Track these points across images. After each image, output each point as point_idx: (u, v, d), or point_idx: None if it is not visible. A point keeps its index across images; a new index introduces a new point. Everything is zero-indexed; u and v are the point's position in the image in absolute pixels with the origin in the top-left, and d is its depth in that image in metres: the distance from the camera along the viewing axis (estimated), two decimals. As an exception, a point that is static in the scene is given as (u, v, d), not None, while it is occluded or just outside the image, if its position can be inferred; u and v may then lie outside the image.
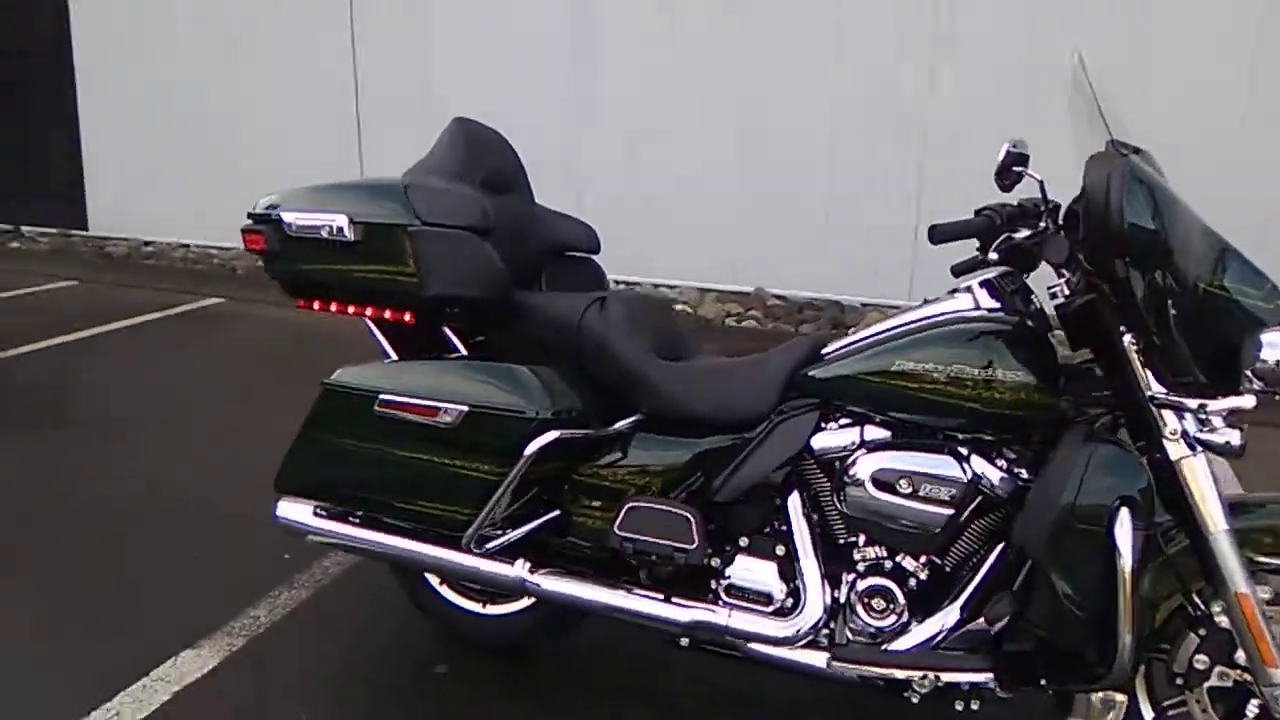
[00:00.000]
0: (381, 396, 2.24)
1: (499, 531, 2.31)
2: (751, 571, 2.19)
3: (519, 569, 2.29)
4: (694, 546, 2.14)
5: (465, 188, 2.31)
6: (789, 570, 2.15)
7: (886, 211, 5.96)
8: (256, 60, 7.71)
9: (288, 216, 2.39)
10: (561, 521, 2.33)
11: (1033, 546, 1.86)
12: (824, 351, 2.20)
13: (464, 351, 2.42)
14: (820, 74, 6.05)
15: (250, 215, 2.46)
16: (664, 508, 2.18)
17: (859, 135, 6.03)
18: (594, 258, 2.81)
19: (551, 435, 2.12)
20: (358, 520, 2.42)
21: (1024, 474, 2.00)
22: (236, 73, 7.78)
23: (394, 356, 2.50)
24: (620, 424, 2.26)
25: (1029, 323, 2.01)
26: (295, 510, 2.46)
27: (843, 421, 2.14)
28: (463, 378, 2.21)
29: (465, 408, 2.15)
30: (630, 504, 2.20)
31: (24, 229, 8.70)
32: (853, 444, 2.10)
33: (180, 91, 7.97)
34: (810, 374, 2.15)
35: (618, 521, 2.20)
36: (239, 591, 2.88)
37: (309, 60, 7.49)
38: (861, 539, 2.11)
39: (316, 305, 2.47)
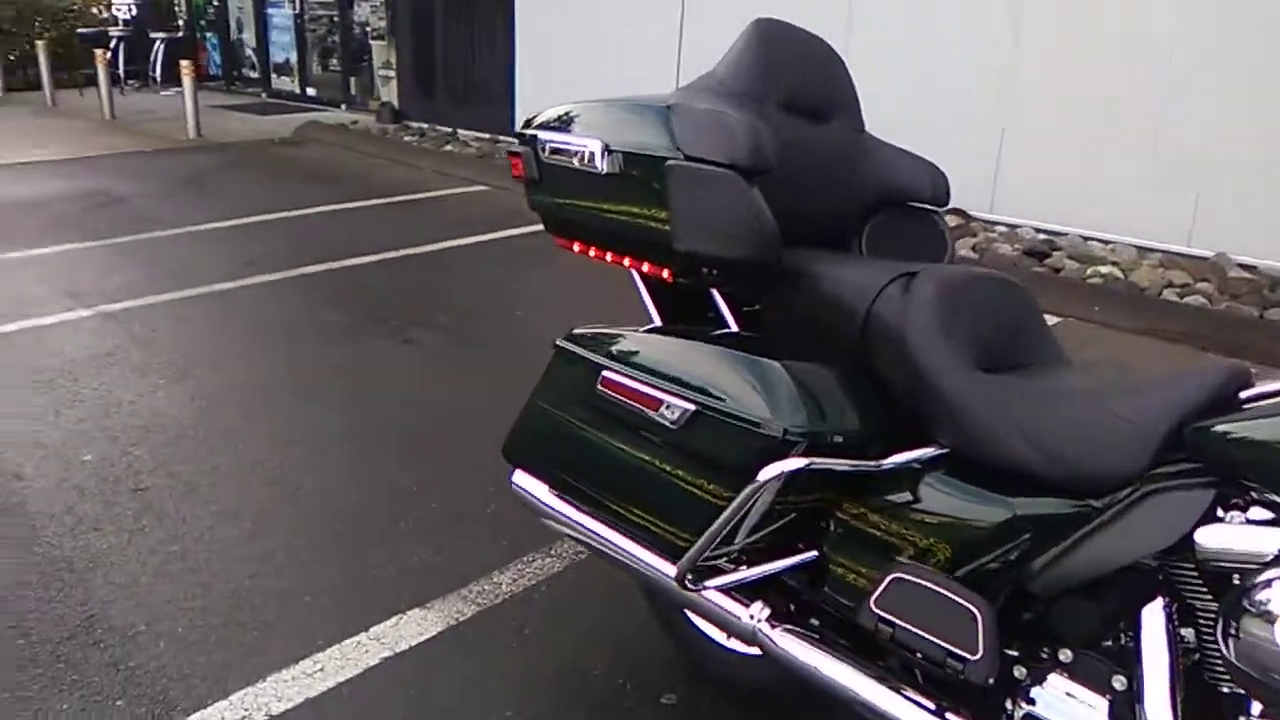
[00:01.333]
0: (604, 373, 1.78)
1: (734, 565, 1.79)
2: (1068, 704, 1.47)
3: (754, 616, 1.76)
4: (977, 658, 1.46)
5: (738, 113, 1.73)
6: (1126, 713, 1.42)
7: None
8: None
9: (543, 136, 1.99)
10: (818, 566, 1.75)
11: None
12: (1245, 395, 1.40)
13: (732, 325, 1.90)
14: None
15: (516, 134, 2.10)
16: (942, 590, 1.51)
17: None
18: (937, 213, 2.10)
19: (797, 464, 1.53)
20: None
21: None
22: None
23: (656, 320, 2.03)
24: (909, 456, 1.60)
25: None
26: (532, 483, 2.10)
27: (1258, 515, 1.33)
28: (703, 365, 1.67)
29: (692, 406, 1.63)
30: (897, 575, 1.56)
31: (460, 133, 9.38)
32: (1271, 555, 1.30)
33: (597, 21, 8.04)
34: (1214, 429, 1.35)
35: (876, 594, 1.58)
36: (495, 547, 2.64)
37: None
38: (1256, 708, 1.32)
39: (576, 247, 2.06)
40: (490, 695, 2.10)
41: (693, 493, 1.65)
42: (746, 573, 1.73)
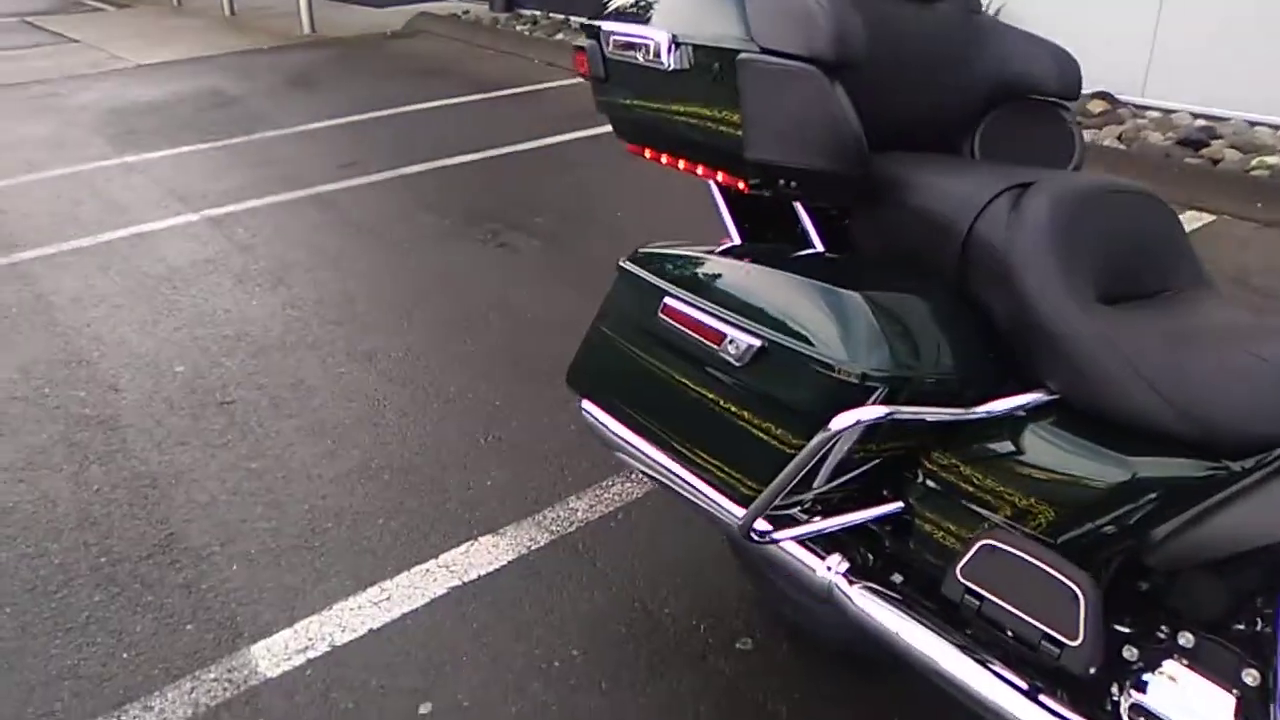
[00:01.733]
0: (666, 299, 1.59)
1: (808, 516, 1.61)
2: (1187, 696, 1.26)
3: (832, 570, 1.59)
4: (1077, 643, 1.25)
5: None
6: (1258, 713, 1.20)
7: None
8: None
9: (608, 28, 1.78)
10: (904, 519, 1.56)
11: None
12: None
13: (818, 244, 1.67)
14: None
15: (582, 25, 1.89)
16: (1040, 563, 1.29)
17: None
18: (1066, 107, 1.80)
19: (876, 413, 1.32)
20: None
21: None
22: None
23: (736, 237, 1.83)
24: (1011, 402, 1.37)
25: None
26: (600, 412, 1.94)
27: None
28: (772, 294, 1.46)
29: (757, 342, 1.43)
30: (988, 541, 1.35)
31: (573, 20, 9.07)
32: None
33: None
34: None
35: (964, 562, 1.37)
36: (574, 470, 2.53)
37: None
38: None
39: (648, 153, 1.85)
40: (557, 633, 2.01)
41: (760, 438, 1.47)
42: (820, 524, 1.55)
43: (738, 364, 1.46)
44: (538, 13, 9.60)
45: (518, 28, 9.02)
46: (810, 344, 1.36)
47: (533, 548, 2.26)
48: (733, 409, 1.50)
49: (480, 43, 8.49)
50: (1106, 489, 1.29)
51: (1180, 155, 4.50)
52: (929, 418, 1.36)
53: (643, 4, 1.76)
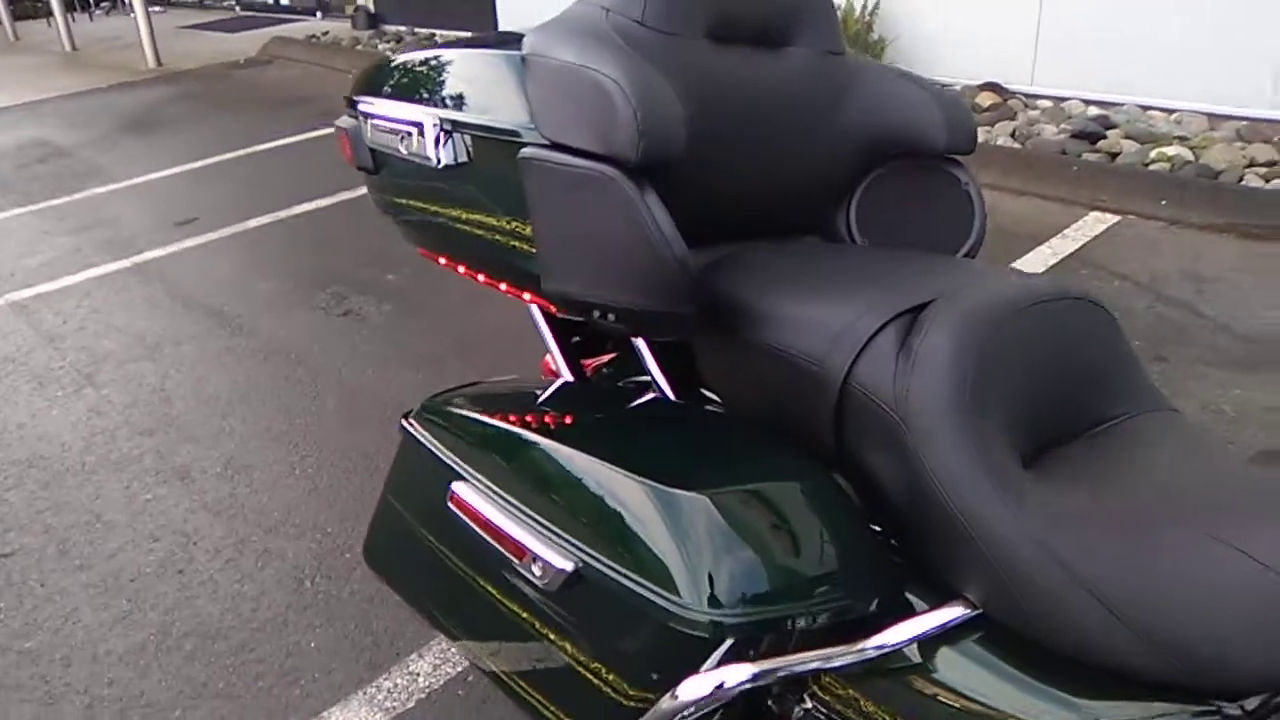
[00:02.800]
0: (454, 486, 1.18)
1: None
2: None
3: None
4: None
5: (620, 64, 1.06)
6: None
7: None
8: None
9: (365, 106, 1.38)
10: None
11: None
12: None
13: (659, 379, 1.28)
14: None
15: (345, 98, 1.49)
16: None
17: None
18: (960, 164, 1.43)
19: (739, 674, 0.94)
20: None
21: None
22: None
23: (563, 367, 1.42)
24: (912, 630, 0.99)
25: None
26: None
27: None
28: (590, 495, 1.05)
29: (569, 565, 1.03)
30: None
31: (439, 35, 8.57)
32: None
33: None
34: None
35: None
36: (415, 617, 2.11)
37: None
38: None
39: (442, 260, 1.44)
40: None
41: (588, 680, 1.07)
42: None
43: (546, 589, 1.05)
44: (403, 28, 9.07)
45: (380, 46, 8.48)
46: (639, 578, 0.96)
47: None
48: (552, 637, 1.10)
49: (339, 66, 7.93)
50: (1061, 747, 0.92)
51: (1077, 150, 4.24)
52: (810, 666, 0.97)
53: (412, 69, 1.36)
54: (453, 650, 1.99)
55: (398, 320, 3.50)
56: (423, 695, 1.90)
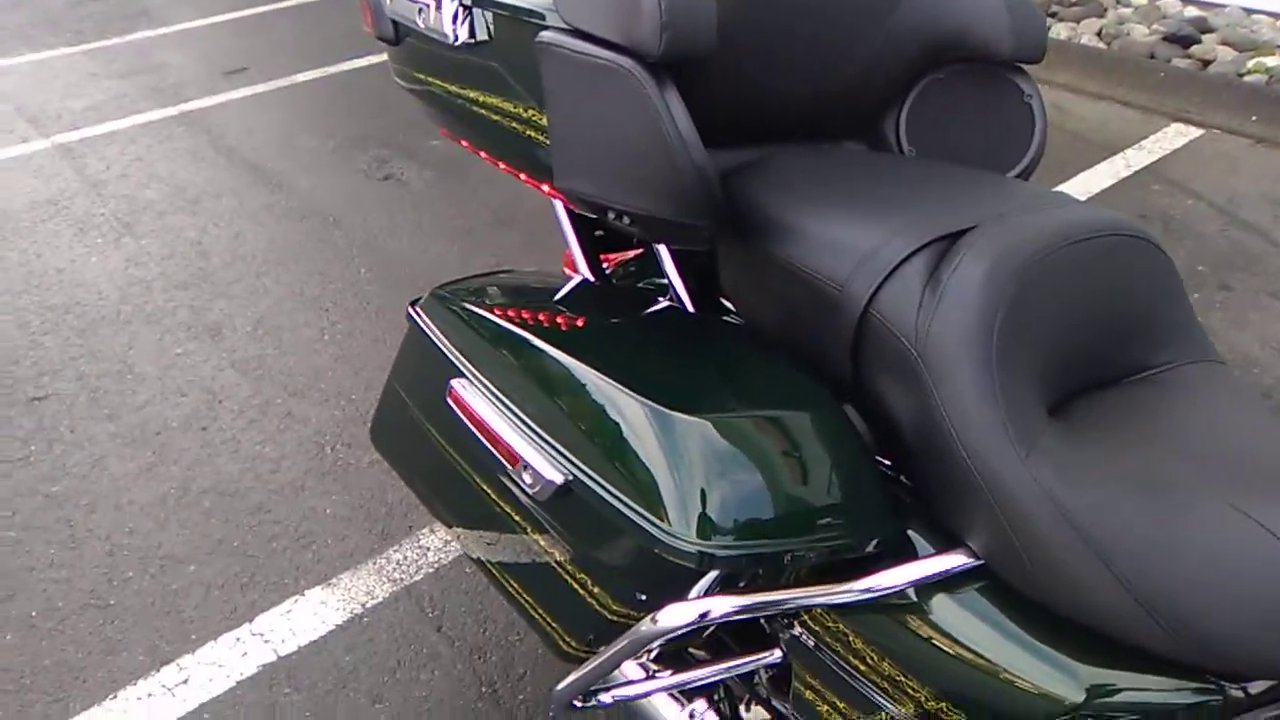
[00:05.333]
0: (454, 384, 1.14)
1: (655, 664, 1.21)
2: None
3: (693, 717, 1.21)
4: None
5: None
6: None
7: None
8: None
9: (386, -21, 1.29)
10: (784, 672, 1.16)
11: None
12: None
13: (677, 287, 1.23)
14: None
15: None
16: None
17: None
18: (1025, 74, 1.31)
19: (724, 605, 0.91)
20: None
21: None
22: None
23: (583, 265, 1.36)
24: (913, 573, 0.94)
25: None
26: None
27: None
28: (587, 407, 1.00)
29: (559, 477, 0.99)
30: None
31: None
32: None
33: None
34: None
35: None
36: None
37: None
38: None
39: (465, 143, 1.38)
40: None
41: (574, 588, 1.05)
42: (670, 679, 1.15)
43: (536, 498, 1.02)
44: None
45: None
46: (629, 500, 0.93)
47: (369, 604, 1.86)
48: (540, 543, 1.08)
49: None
50: (1045, 706, 0.88)
51: (1167, 55, 3.97)
52: (800, 601, 0.94)
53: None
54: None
55: (438, 189, 3.43)
56: (431, 570, 1.93)
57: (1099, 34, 4.26)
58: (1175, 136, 3.59)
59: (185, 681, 1.73)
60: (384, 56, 4.86)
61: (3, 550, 2.01)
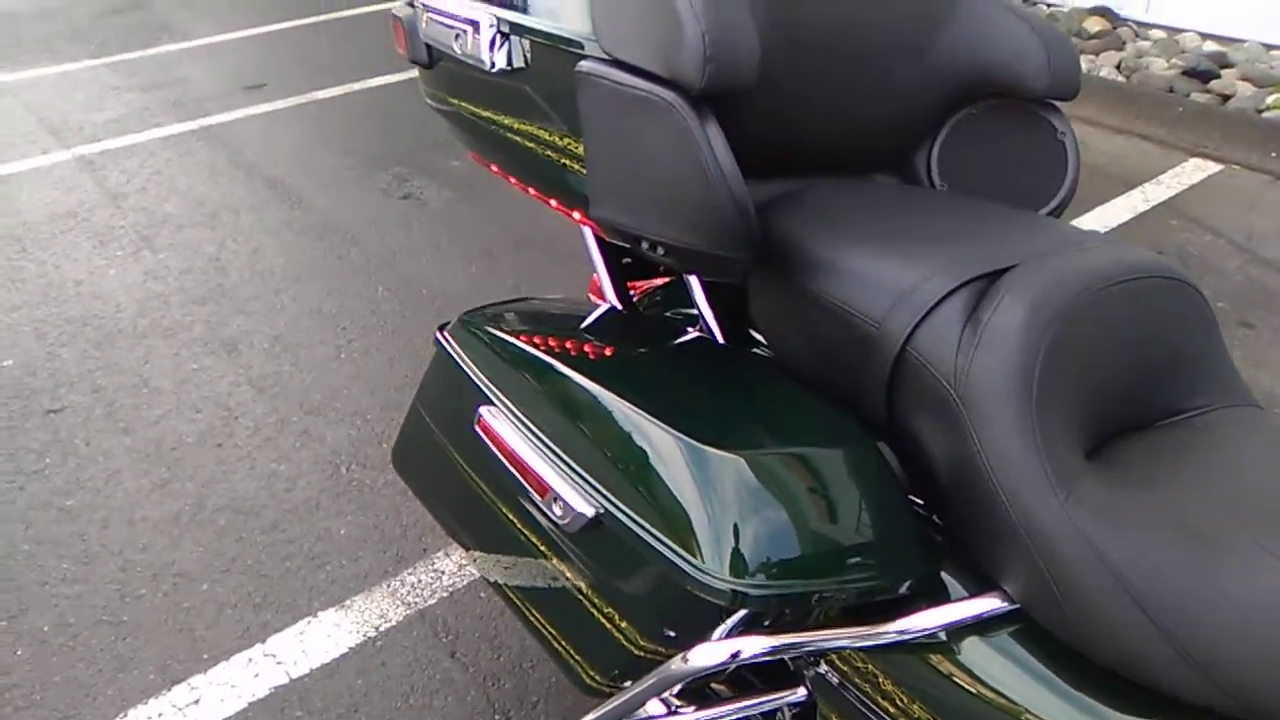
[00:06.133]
0: (483, 411, 1.14)
1: (679, 699, 1.20)
2: None
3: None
4: None
5: None
6: None
7: None
8: None
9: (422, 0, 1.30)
10: (808, 707, 1.14)
11: None
12: None
13: (707, 318, 1.22)
14: None
15: (402, -11, 1.40)
16: None
17: None
18: (1058, 111, 1.31)
19: (757, 645, 0.90)
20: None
21: None
22: None
23: (610, 292, 1.36)
24: (944, 617, 0.93)
25: None
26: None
27: None
28: (620, 441, 0.99)
29: (590, 510, 0.98)
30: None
31: None
32: None
33: None
34: None
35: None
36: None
37: None
38: None
39: (494, 169, 1.38)
40: None
41: (600, 622, 1.04)
42: (690, 715, 1.14)
43: (565, 530, 1.02)
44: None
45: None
46: (661, 536, 0.92)
47: (382, 628, 1.85)
48: (567, 575, 1.07)
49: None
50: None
51: (1186, 89, 3.98)
52: (832, 643, 0.93)
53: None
54: (479, 553, 1.99)
55: (457, 209, 3.44)
56: (445, 594, 1.91)
57: (1118, 67, 4.27)
58: (1194, 171, 3.58)
59: (196, 701, 1.72)
60: (403, 75, 4.89)
61: (16, 563, 2.01)
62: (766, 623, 0.98)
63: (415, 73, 1.45)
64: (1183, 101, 3.90)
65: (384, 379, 2.54)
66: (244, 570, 1.98)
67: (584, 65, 1.03)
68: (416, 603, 1.90)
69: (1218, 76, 4.05)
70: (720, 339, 1.20)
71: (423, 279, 3.00)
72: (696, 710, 1.13)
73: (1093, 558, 0.83)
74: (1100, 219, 3.25)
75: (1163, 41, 4.56)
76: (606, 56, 1.02)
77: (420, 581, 1.94)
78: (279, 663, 1.79)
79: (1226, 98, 3.91)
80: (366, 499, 2.15)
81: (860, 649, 0.96)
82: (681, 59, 0.93)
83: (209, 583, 1.96)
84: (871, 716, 1.01)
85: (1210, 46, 4.42)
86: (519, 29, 1.13)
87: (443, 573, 1.96)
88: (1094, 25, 4.68)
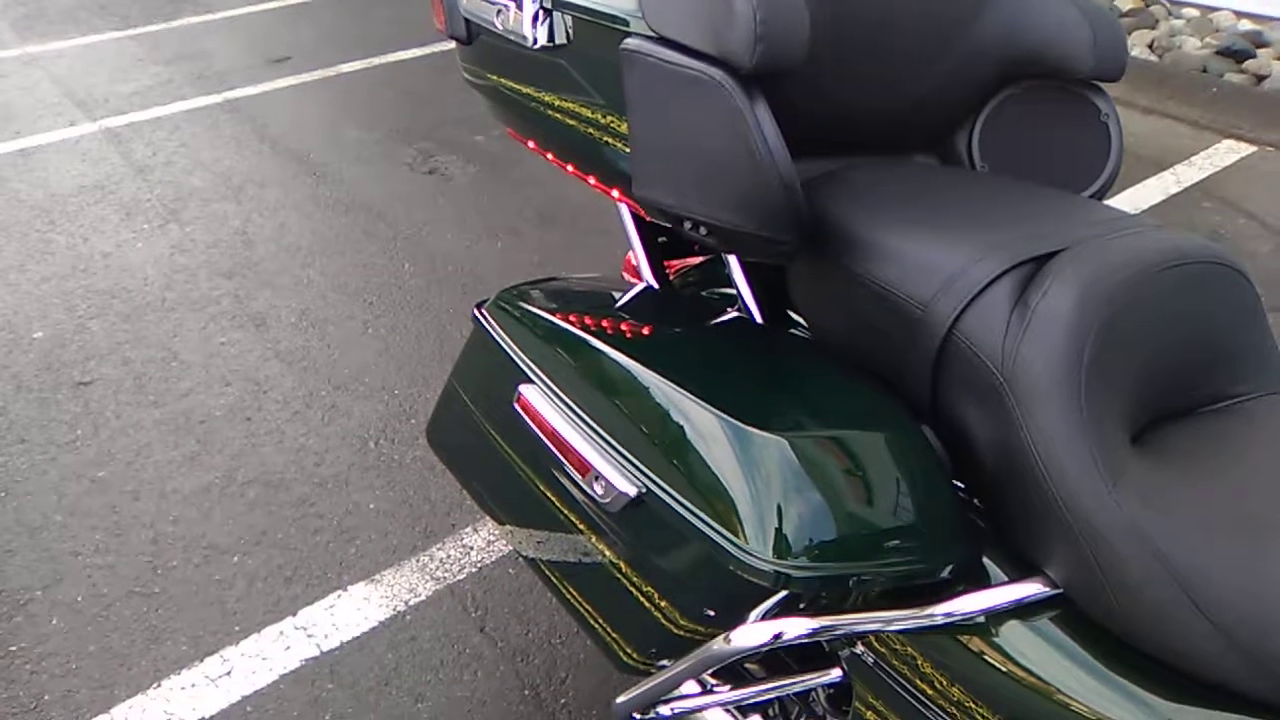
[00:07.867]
0: (523, 389, 1.14)
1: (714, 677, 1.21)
2: None
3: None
4: None
5: None
6: None
7: None
8: None
9: (461, -25, 1.29)
10: (844, 691, 1.15)
11: None
12: None
13: (746, 298, 1.22)
14: None
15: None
16: None
17: None
18: (1103, 93, 1.29)
19: (799, 627, 0.90)
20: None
21: None
22: None
23: (647, 273, 1.36)
24: (986, 601, 0.93)
25: None
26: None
27: None
28: (662, 420, 0.99)
29: (632, 490, 0.98)
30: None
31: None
32: None
33: None
34: None
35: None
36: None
37: None
38: None
39: (532, 145, 1.37)
40: None
41: (640, 601, 1.04)
42: (728, 694, 1.14)
43: (606, 509, 1.02)
44: None
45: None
46: (705, 516, 0.92)
47: (411, 602, 1.86)
48: (606, 553, 1.07)
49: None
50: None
51: (1220, 69, 3.92)
52: (872, 626, 0.93)
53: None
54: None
55: (483, 184, 3.43)
56: (474, 569, 1.93)
57: (1150, 46, 4.21)
58: (1226, 153, 3.54)
59: (228, 673, 1.74)
60: (428, 49, 4.87)
61: (50, 534, 2.03)
62: (803, 604, 0.98)
63: (440, 47, 1.44)
64: (1216, 82, 3.85)
65: (411, 354, 2.55)
66: (274, 543, 2.00)
67: (630, 43, 1.02)
68: (445, 578, 1.91)
69: (1253, 56, 3.98)
70: (759, 318, 1.20)
71: (448, 254, 3.00)
72: (732, 689, 1.13)
73: (1140, 545, 0.83)
74: (1131, 200, 3.21)
75: (1196, 20, 4.49)
76: (653, 34, 1.01)
77: (449, 557, 1.95)
78: (309, 635, 1.81)
79: (1262, 78, 3.85)
80: (395, 474, 2.16)
81: (900, 632, 0.96)
82: (732, 37, 0.92)
83: (240, 555, 1.97)
84: (909, 698, 1.01)
85: (1245, 25, 4.35)
86: (562, 4, 1.12)
87: (471, 548, 1.97)
88: (1126, 3, 4.61)
